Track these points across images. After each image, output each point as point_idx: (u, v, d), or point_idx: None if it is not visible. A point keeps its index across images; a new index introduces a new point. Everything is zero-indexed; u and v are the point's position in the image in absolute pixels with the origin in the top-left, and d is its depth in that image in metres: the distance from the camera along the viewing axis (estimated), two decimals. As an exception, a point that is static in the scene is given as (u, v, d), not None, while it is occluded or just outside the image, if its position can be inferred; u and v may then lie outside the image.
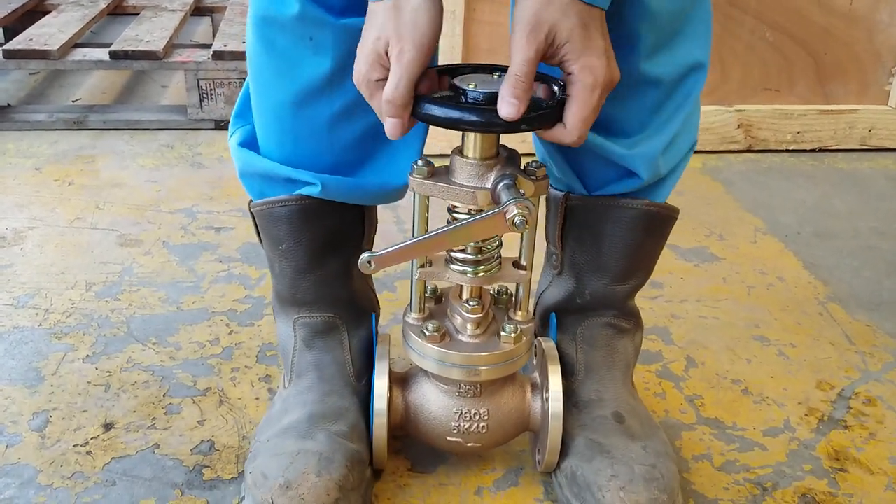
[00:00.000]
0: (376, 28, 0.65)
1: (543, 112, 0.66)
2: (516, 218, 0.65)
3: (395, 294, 1.20)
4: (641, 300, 0.92)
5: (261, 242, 0.87)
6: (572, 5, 0.63)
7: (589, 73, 0.64)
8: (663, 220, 0.85)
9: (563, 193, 0.85)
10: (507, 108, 0.63)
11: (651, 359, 1.07)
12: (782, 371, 1.06)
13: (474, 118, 0.65)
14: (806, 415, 0.98)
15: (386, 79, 0.66)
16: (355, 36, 0.69)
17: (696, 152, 1.73)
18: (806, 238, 1.43)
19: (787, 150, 1.82)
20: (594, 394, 0.86)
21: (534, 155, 0.85)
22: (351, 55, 0.69)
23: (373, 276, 0.96)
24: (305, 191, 0.80)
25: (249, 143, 0.84)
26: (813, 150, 1.83)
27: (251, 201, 0.84)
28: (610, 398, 0.85)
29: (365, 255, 0.69)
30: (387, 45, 0.65)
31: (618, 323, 0.89)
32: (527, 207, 0.66)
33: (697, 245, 1.39)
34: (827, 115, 1.80)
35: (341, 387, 0.85)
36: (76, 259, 1.27)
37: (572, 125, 0.66)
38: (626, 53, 0.73)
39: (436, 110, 0.66)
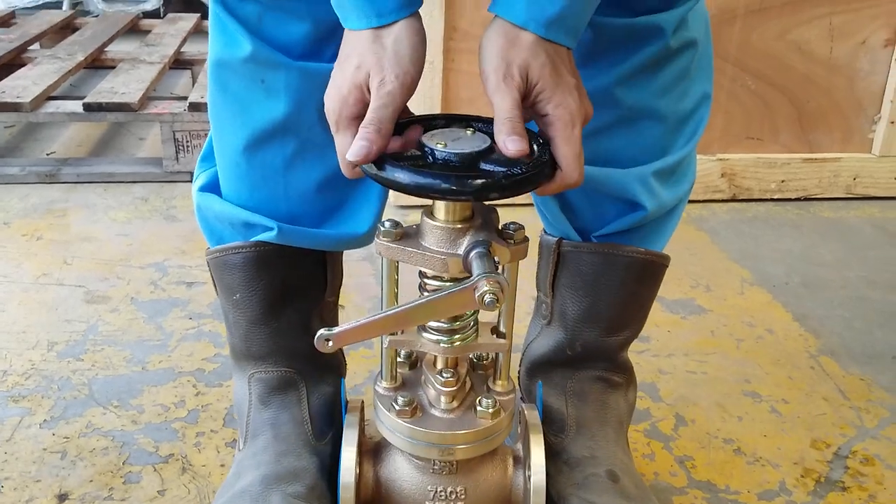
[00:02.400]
0: (356, 57, 0.62)
1: (540, 165, 0.61)
2: (486, 296, 0.59)
3: (371, 350, 1.16)
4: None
5: (217, 292, 0.82)
6: (539, 44, 0.61)
7: (565, 109, 0.62)
8: (657, 268, 0.82)
9: (555, 240, 0.82)
10: (514, 144, 0.59)
11: (639, 417, 1.02)
12: (775, 429, 1.02)
13: (446, 185, 0.58)
14: (802, 476, 0.93)
15: (360, 115, 0.62)
16: (311, 79, 0.67)
17: (681, 202, 1.72)
18: (794, 289, 1.40)
19: (772, 200, 1.80)
20: (587, 450, 0.81)
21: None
22: (307, 98, 0.68)
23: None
24: (263, 236, 0.76)
25: (211, 187, 0.80)
26: (798, 199, 1.81)
27: (208, 248, 0.80)
28: (603, 456, 0.81)
29: (322, 332, 0.64)
30: (367, 76, 0.61)
31: (609, 377, 0.85)
32: (498, 283, 0.60)
33: (683, 297, 1.35)
34: (811, 164, 1.79)
35: (299, 446, 0.80)
36: (39, 317, 1.21)
37: (568, 164, 0.62)
38: (642, 84, 0.74)
39: (401, 175, 0.59)
